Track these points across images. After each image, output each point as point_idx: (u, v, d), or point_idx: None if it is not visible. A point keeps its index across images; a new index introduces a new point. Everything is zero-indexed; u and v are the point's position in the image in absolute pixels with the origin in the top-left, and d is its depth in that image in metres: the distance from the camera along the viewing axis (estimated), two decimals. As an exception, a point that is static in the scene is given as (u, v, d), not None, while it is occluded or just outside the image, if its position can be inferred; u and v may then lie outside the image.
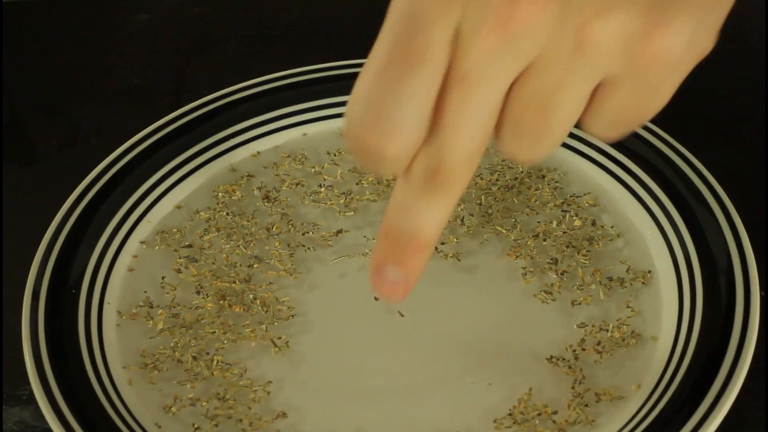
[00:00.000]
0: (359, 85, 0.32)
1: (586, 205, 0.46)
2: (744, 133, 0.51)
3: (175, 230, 0.45)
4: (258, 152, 0.49)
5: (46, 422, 0.40)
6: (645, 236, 0.44)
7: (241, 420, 0.39)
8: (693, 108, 0.52)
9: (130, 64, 0.57)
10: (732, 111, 0.52)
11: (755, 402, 0.40)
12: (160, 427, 0.38)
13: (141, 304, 0.43)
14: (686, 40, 0.31)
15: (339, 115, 0.50)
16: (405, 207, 0.35)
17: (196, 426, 0.39)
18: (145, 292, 0.43)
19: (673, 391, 0.37)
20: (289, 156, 0.48)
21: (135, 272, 0.44)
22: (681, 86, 0.33)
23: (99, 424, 0.38)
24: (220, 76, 0.55)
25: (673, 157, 0.46)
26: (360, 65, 0.50)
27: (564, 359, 0.40)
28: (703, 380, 0.37)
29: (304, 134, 0.50)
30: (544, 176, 0.47)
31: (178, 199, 0.47)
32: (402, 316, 0.42)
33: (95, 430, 0.37)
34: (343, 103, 0.49)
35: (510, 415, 0.38)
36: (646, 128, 0.47)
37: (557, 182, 0.47)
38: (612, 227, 0.45)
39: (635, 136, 0.46)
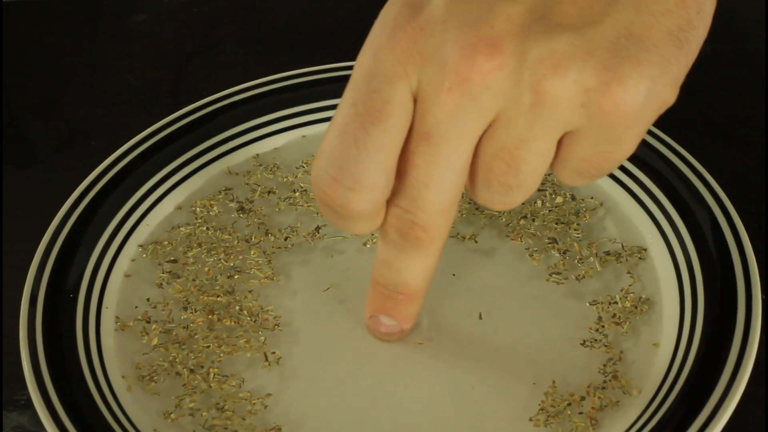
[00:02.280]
0: (324, 141, 0.33)
1: (557, 180, 0.46)
2: (744, 134, 0.51)
3: (166, 242, 0.45)
4: (257, 155, 0.49)
5: (43, 427, 0.40)
6: (646, 242, 0.44)
7: (236, 431, 0.39)
8: (693, 108, 0.52)
9: (129, 65, 0.57)
10: (732, 111, 0.52)
11: (757, 408, 0.40)
12: (158, 433, 0.38)
13: (139, 317, 0.42)
14: (643, 94, 0.31)
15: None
16: (387, 263, 0.36)
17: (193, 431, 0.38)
18: (136, 307, 0.43)
19: (675, 397, 0.37)
20: (261, 165, 0.48)
21: (132, 278, 0.44)
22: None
23: (96, 430, 0.37)
24: (218, 77, 0.55)
25: (664, 150, 0.46)
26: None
27: (596, 340, 0.41)
28: (704, 385, 0.37)
29: (303, 136, 0.49)
30: None
31: (177, 201, 0.47)
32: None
33: (93, 435, 0.37)
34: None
35: (542, 410, 0.38)
36: None
37: None
38: (591, 198, 0.46)
39: None
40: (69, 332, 0.40)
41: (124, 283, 0.43)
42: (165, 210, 0.46)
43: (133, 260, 0.44)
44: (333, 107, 0.49)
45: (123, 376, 0.40)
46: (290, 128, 0.49)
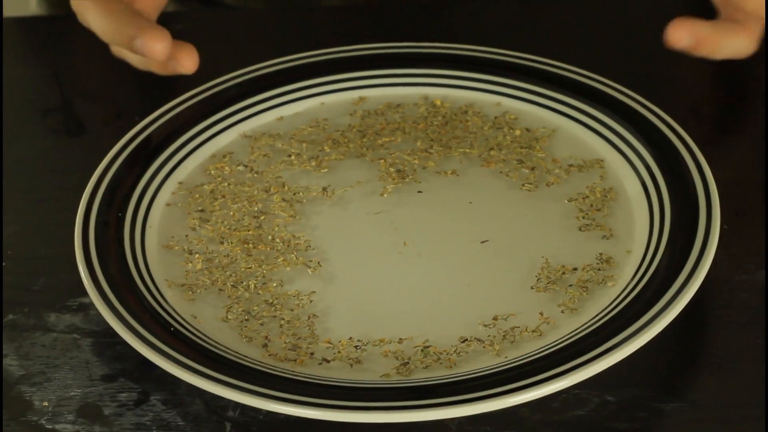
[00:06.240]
0: None
1: (510, 119, 0.54)
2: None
3: (197, 195, 0.51)
4: (281, 117, 0.56)
5: (92, 325, 0.46)
6: (602, 155, 0.51)
7: (283, 318, 0.44)
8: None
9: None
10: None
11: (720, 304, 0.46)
12: (195, 317, 0.44)
13: (183, 248, 0.48)
14: None
15: (352, 88, 0.57)
16: None
17: (246, 318, 0.44)
18: (172, 237, 0.48)
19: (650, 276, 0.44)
20: (264, 133, 0.55)
21: (172, 207, 0.50)
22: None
23: (143, 319, 0.43)
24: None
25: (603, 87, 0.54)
26: (363, 49, 0.58)
27: (588, 224, 0.48)
28: (682, 249, 0.44)
29: (322, 103, 0.56)
30: (466, 111, 0.55)
31: (213, 149, 0.54)
32: (404, 244, 0.48)
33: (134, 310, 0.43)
34: (355, 78, 0.57)
35: (539, 280, 0.45)
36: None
37: (478, 112, 0.55)
38: (544, 128, 0.53)
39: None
40: (118, 241, 0.47)
41: (165, 211, 0.50)
42: (200, 157, 0.53)
43: (173, 193, 0.51)
44: (347, 80, 0.57)
45: (166, 279, 0.46)
46: (311, 96, 0.56)
